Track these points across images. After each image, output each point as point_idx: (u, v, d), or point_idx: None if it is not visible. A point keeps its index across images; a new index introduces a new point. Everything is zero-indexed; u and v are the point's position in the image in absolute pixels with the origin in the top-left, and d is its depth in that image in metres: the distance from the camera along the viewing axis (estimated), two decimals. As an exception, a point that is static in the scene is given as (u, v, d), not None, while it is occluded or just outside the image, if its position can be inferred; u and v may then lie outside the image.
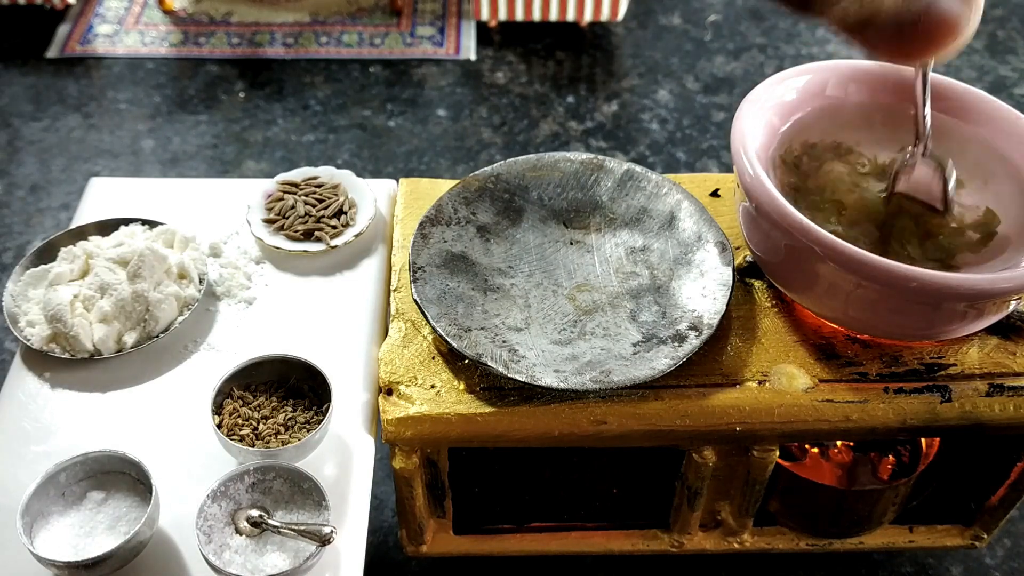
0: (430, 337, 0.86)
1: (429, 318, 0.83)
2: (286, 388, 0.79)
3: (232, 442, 0.73)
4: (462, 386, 0.83)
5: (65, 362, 0.83)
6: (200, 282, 0.88)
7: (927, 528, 1.03)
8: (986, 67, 1.94)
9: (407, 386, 0.83)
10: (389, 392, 0.82)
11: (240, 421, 0.76)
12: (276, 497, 0.73)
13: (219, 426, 0.75)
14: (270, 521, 0.70)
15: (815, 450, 0.97)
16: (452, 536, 0.99)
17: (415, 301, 0.84)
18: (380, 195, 1.01)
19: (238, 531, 0.70)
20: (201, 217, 0.97)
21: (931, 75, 0.91)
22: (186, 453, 0.77)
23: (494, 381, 0.82)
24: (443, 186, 0.99)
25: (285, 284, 0.92)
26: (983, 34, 2.02)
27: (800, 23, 2.04)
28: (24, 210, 1.58)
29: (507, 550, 1.01)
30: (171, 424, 0.79)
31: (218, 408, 0.76)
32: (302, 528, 0.69)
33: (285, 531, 0.69)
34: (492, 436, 0.82)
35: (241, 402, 0.77)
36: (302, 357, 0.78)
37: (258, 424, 0.76)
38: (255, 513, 0.71)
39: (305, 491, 0.72)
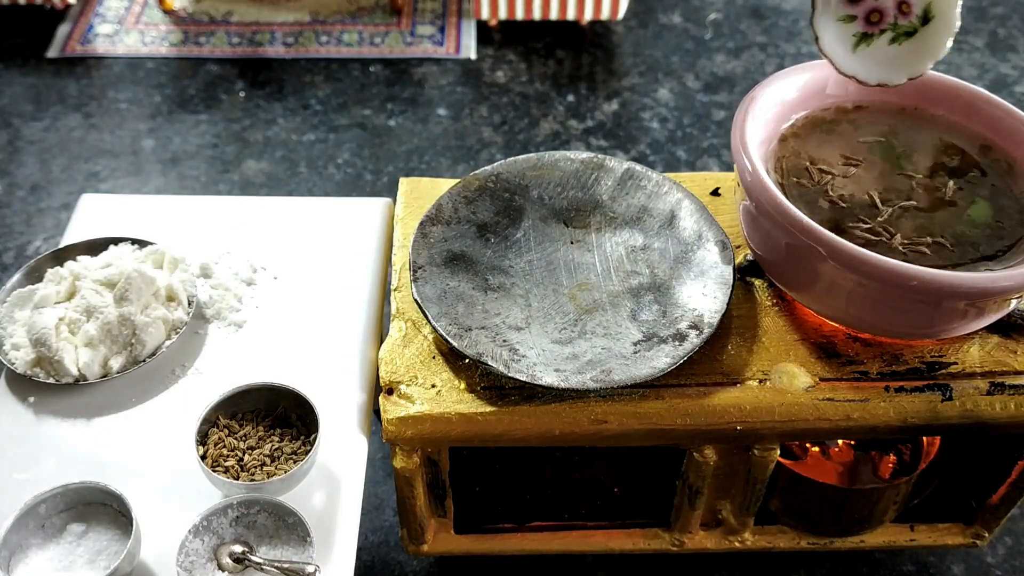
0: (431, 336, 0.86)
1: (430, 317, 0.83)
2: (273, 417, 0.78)
3: (216, 474, 0.72)
4: (463, 385, 0.82)
5: (50, 387, 0.82)
6: (189, 304, 0.87)
7: (928, 527, 1.03)
8: (987, 65, 1.94)
9: (408, 385, 0.82)
10: (390, 392, 0.82)
11: (225, 452, 0.74)
12: (260, 532, 0.71)
13: (203, 457, 0.74)
14: (253, 558, 0.68)
15: (816, 449, 0.97)
16: (453, 535, 0.99)
17: (415, 300, 0.84)
18: (374, 212, 1.00)
19: (220, 567, 0.68)
20: (193, 236, 0.96)
21: (932, 72, 0.91)
22: (170, 483, 0.76)
23: (495, 380, 0.82)
24: (443, 185, 0.99)
25: (277, 304, 0.91)
26: (984, 32, 2.02)
27: (800, 22, 2.04)
28: (24, 210, 1.58)
29: (508, 549, 1.01)
30: (156, 452, 0.78)
31: (203, 438, 0.75)
32: (286, 566, 0.67)
33: (268, 568, 0.68)
34: (493, 435, 0.82)
35: (227, 431, 0.76)
36: (290, 386, 0.77)
37: (243, 455, 0.74)
38: (238, 549, 0.69)
39: (290, 526, 0.70)
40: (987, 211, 0.83)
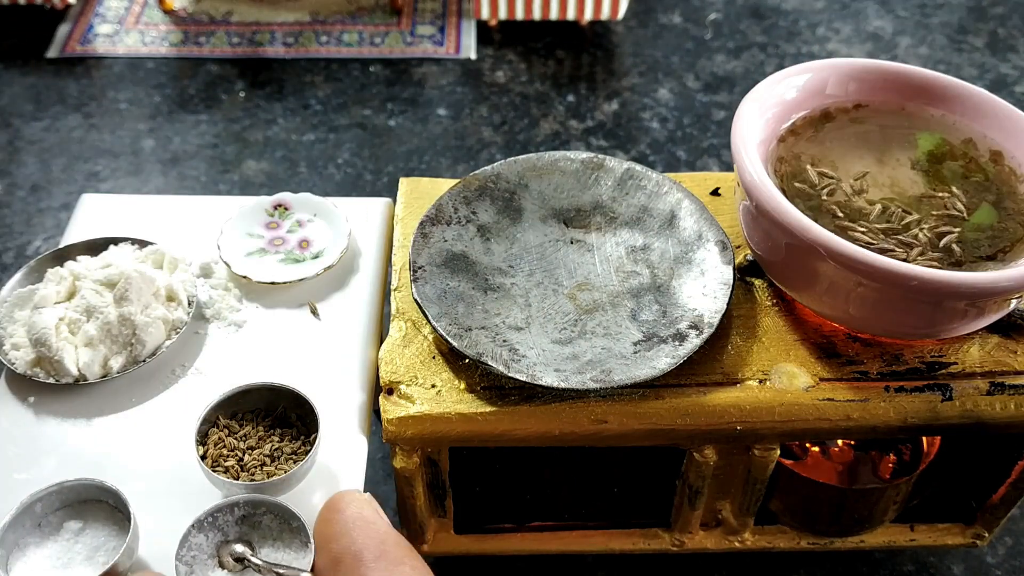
0: (430, 336, 0.86)
1: (429, 317, 0.83)
2: (273, 417, 0.78)
3: (216, 474, 0.72)
4: (463, 385, 0.82)
5: (50, 387, 0.82)
6: (189, 304, 0.87)
7: (928, 527, 1.03)
8: (987, 65, 1.94)
9: (407, 385, 0.82)
10: (390, 392, 0.82)
11: (225, 452, 0.74)
12: (264, 532, 0.70)
13: (203, 457, 0.74)
14: (253, 559, 0.68)
15: (816, 449, 0.97)
16: (453, 535, 0.99)
17: (415, 300, 0.84)
18: (374, 212, 1.00)
19: (221, 565, 0.68)
20: (193, 235, 0.95)
21: (932, 72, 0.91)
22: (170, 483, 0.76)
23: (495, 380, 0.82)
24: (443, 185, 0.99)
25: (276, 303, 0.91)
26: (984, 32, 2.02)
27: (801, 22, 2.04)
28: (24, 210, 1.58)
29: (508, 549, 1.01)
30: (156, 452, 0.78)
31: (203, 438, 0.75)
32: (281, 571, 0.67)
33: (266, 571, 0.67)
34: (493, 435, 0.82)
35: (227, 431, 0.76)
36: (290, 386, 0.77)
37: (243, 455, 0.74)
38: (239, 548, 0.69)
39: (293, 530, 0.70)
40: (991, 215, 0.83)
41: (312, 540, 0.68)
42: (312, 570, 0.65)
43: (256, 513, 0.71)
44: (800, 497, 0.97)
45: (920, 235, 0.81)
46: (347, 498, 0.63)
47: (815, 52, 1.96)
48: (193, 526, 0.68)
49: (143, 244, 0.91)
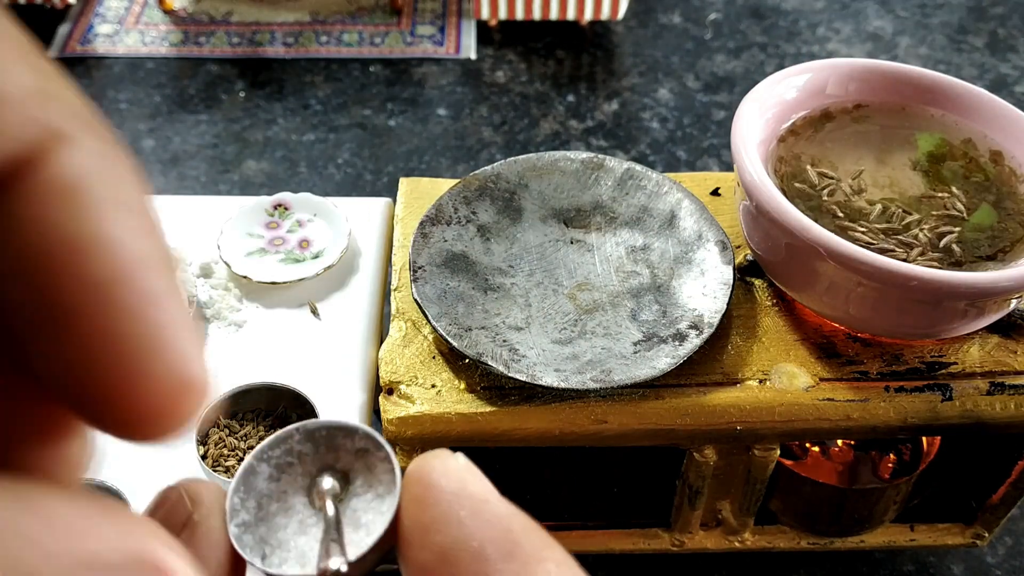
0: (430, 336, 0.86)
1: (429, 317, 0.82)
2: (274, 417, 0.78)
3: (217, 474, 0.73)
4: (463, 385, 0.82)
5: None
6: (189, 304, 0.87)
7: (928, 527, 1.03)
8: (987, 65, 1.94)
9: (407, 385, 0.82)
10: (390, 392, 0.82)
11: (226, 451, 0.75)
12: (373, 480, 0.62)
13: (204, 456, 0.74)
14: (328, 506, 0.60)
15: (816, 449, 0.97)
16: (453, 535, 0.99)
17: (415, 300, 0.84)
18: (374, 212, 1.00)
19: (309, 491, 0.60)
20: (193, 235, 0.96)
21: (932, 72, 0.91)
22: (171, 482, 0.76)
23: (495, 380, 0.82)
24: (443, 185, 0.99)
25: (276, 303, 0.91)
26: (984, 32, 2.02)
27: (801, 22, 2.04)
28: (24, 210, 1.58)
29: (508, 549, 1.01)
30: (156, 452, 0.78)
31: (203, 438, 0.75)
32: (334, 539, 0.61)
33: (328, 527, 0.60)
34: (493, 435, 0.82)
35: (227, 431, 0.76)
36: (290, 386, 0.77)
37: (244, 455, 0.75)
38: (327, 484, 0.59)
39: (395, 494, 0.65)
40: (991, 215, 0.83)
41: (394, 509, 0.53)
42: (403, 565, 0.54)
43: (375, 454, 0.61)
44: (800, 497, 0.97)
45: (920, 235, 0.81)
46: (439, 466, 0.43)
47: (815, 52, 1.96)
48: (299, 430, 0.56)
49: None
